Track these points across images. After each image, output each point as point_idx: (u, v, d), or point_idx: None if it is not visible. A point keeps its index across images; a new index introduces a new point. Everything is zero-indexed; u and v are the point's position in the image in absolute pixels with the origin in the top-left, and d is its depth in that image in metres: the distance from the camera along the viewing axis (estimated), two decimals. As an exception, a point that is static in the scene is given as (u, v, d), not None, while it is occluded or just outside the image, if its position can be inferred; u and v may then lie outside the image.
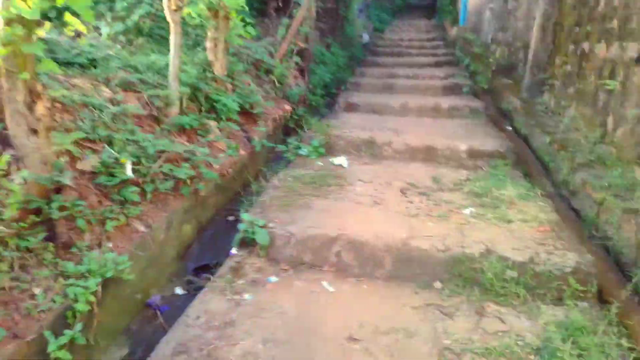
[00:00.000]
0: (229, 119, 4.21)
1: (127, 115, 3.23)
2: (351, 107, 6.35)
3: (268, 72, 5.70)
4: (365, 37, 12.43)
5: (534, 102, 5.76)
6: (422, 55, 10.19)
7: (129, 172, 2.78)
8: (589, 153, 3.98)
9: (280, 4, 7.75)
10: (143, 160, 2.88)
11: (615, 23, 4.06)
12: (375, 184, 3.75)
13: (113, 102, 3.30)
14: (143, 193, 2.85)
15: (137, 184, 2.84)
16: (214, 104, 4.12)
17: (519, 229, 2.88)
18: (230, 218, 3.55)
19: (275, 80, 5.60)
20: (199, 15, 4.11)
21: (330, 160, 4.34)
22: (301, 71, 6.72)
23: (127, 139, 2.96)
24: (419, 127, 5.27)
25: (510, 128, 5.84)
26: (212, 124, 4.01)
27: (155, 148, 2.95)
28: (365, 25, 13.99)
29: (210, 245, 3.22)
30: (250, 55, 5.56)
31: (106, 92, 3.42)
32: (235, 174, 3.89)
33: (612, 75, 3.99)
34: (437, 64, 9.21)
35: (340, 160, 4.31)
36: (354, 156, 4.54)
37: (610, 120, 3.94)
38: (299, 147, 4.55)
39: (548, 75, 5.70)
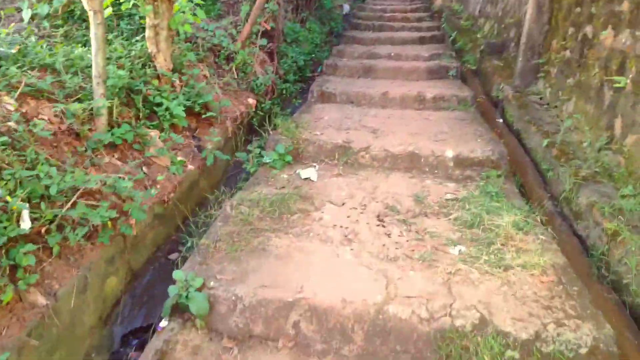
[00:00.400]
0: (174, 127, 3.53)
1: (33, 135, 2.55)
2: (326, 97, 5.67)
3: (229, 59, 4.96)
4: (346, 7, 11.54)
5: (528, 92, 5.17)
6: (405, 29, 9.42)
7: (25, 223, 2.14)
8: (594, 162, 3.44)
9: (246, -25, 6.88)
10: (44, 204, 2.22)
11: (625, 6, 3.45)
12: (347, 208, 3.16)
13: (14, 117, 2.60)
14: (48, 248, 2.22)
15: (38, 237, 2.21)
16: (156, 108, 3.43)
17: (518, 281, 2.34)
18: (173, 256, 2.94)
19: (235, 70, 4.87)
20: (132, -1, 3.36)
21: (298, 172, 3.71)
22: (270, 54, 5.98)
23: (28, 175, 2.29)
24: (401, 124, 4.65)
25: (501, 120, 5.26)
26: (153, 134, 3.33)
27: (61, 185, 2.29)
28: (346, -7, 13.06)
29: (145, 298, 2.63)
30: (206, 40, 4.80)
31: (7, 103, 2.71)
32: (181, 197, 3.25)
33: (621, 70, 3.41)
34: (421, 40, 8.48)
35: (309, 172, 3.69)
36: (325, 165, 3.92)
37: (618, 124, 3.39)
38: (261, 155, 3.91)
39: (544, 61, 5.10)
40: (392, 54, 7.35)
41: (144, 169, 3.12)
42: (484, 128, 4.49)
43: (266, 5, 5.48)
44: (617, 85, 3.36)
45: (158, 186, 3.04)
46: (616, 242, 2.63)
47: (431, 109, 5.33)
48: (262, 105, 4.99)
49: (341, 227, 2.88)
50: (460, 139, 4.13)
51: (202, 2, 5.18)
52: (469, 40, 7.90)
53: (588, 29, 4.06)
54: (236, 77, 4.89)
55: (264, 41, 5.51)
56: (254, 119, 4.75)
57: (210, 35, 4.90)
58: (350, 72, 6.75)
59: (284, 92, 5.86)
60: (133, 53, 3.66)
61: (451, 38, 8.55)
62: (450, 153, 3.81)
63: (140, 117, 3.36)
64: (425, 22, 10.07)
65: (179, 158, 3.37)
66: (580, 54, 4.14)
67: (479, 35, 7.85)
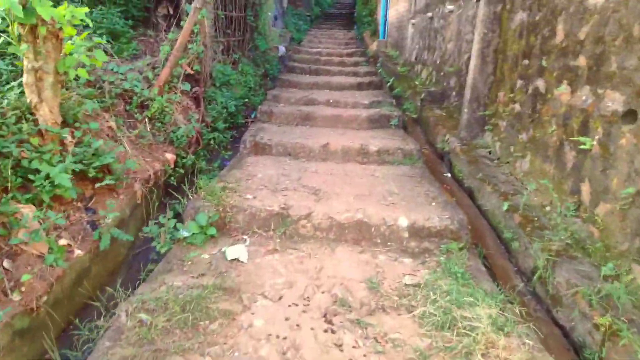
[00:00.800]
0: (59, 199, 2.71)
1: None
2: (260, 149, 5.04)
3: (143, 107, 4.21)
4: (282, 49, 11.22)
5: (476, 144, 4.88)
6: (342, 74, 9.15)
7: None
8: (564, 231, 3.05)
9: (170, 10, 6.23)
10: None
11: (582, 61, 3.18)
12: (286, 303, 2.47)
13: None
14: None
15: None
16: (33, 175, 2.60)
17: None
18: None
19: (151, 119, 4.12)
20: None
21: (223, 250, 2.99)
22: (196, 99, 5.29)
23: None
24: (345, 182, 4.10)
25: (449, 175, 4.91)
26: (26, 211, 2.49)
27: None
28: (282, 35, 12.80)
29: None
30: (115, 85, 4.03)
31: None
32: (62, 297, 2.40)
33: (584, 130, 3.10)
34: (360, 86, 8.21)
35: (237, 250, 2.97)
36: (259, 237, 3.23)
37: (585, 189, 3.03)
38: (177, 228, 3.14)
39: (490, 113, 4.84)
40: (331, 100, 6.94)
41: (6, 263, 2.26)
42: (436, 188, 4.04)
43: (190, 46, 4.83)
44: (583, 146, 3.03)
45: (23, 288, 2.19)
46: (616, 345, 2.16)
47: (376, 163, 4.86)
48: (184, 160, 4.24)
49: (278, 337, 2.18)
50: (413, 202, 3.63)
51: (110, 42, 4.44)
52: (407, 87, 7.72)
53: (539, 83, 3.80)
54: (152, 127, 4.13)
55: (187, 85, 4.82)
56: (173, 178, 3.98)
57: (120, 78, 4.14)
58: (287, 119, 6.22)
59: (212, 142, 5.16)
60: (6, 103, 2.82)
61: (389, 84, 8.37)
62: (404, 221, 3.27)
63: (10, 188, 2.51)
64: (362, 67, 9.92)
65: (62, 241, 2.53)
66: (532, 108, 3.86)
67: (417, 82, 7.69)
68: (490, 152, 4.67)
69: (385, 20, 11.90)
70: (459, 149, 4.84)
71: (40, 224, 2.51)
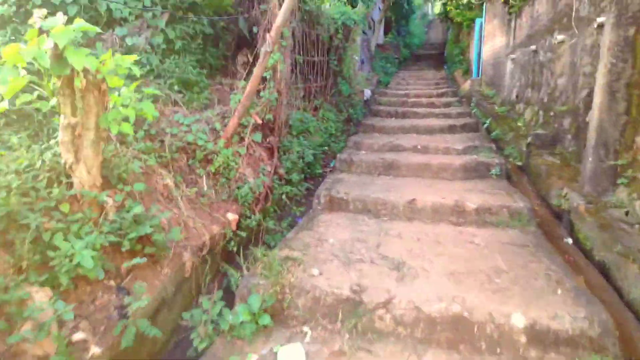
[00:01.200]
0: (82, 278, 2.27)
1: None
2: (336, 204, 4.41)
3: (208, 161, 3.82)
4: (367, 93, 10.75)
5: (606, 203, 3.81)
6: (432, 115, 8.37)
7: None
8: None
9: (249, 58, 6.01)
10: None
11: None
12: None
13: None
14: None
15: None
16: (52, 252, 2.20)
17: None
18: None
19: (214, 174, 3.69)
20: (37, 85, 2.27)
21: (275, 351, 2.33)
22: (270, 150, 4.87)
23: None
24: (436, 253, 3.28)
25: (570, 241, 3.85)
26: (40, 295, 2.07)
27: None
28: (369, 78, 12.44)
29: None
30: (178, 138, 3.69)
31: None
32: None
33: None
34: (452, 129, 7.35)
35: (293, 352, 2.29)
36: (322, 331, 2.53)
37: None
38: (222, 314, 2.56)
39: (625, 162, 3.79)
40: (419, 146, 6.18)
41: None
42: (558, 266, 3.05)
43: (262, 94, 4.45)
44: None
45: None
46: None
47: (474, 224, 3.96)
48: (247, 221, 3.72)
49: None
50: (529, 288, 2.70)
51: (182, 91, 4.19)
52: (508, 129, 6.73)
53: None
54: (215, 184, 3.71)
55: (257, 136, 4.40)
56: (233, 242, 3.47)
57: (184, 130, 3.81)
58: (369, 169, 5.56)
59: (284, 196, 4.65)
60: (39, 164, 2.50)
61: (485, 126, 7.42)
62: (519, 320, 2.37)
63: (24, 267, 2.12)
64: (454, 107, 9.05)
65: (77, 336, 2.06)
66: (698, 160, 2.81)
67: (520, 124, 6.68)
68: (627, 214, 3.59)
69: (479, 57, 11.01)
70: (584, 209, 3.81)
71: (58, 309, 2.06)
